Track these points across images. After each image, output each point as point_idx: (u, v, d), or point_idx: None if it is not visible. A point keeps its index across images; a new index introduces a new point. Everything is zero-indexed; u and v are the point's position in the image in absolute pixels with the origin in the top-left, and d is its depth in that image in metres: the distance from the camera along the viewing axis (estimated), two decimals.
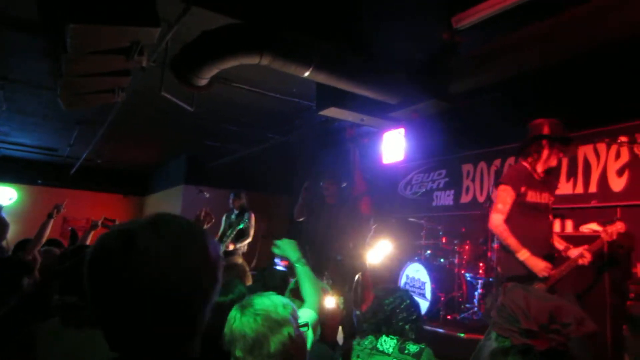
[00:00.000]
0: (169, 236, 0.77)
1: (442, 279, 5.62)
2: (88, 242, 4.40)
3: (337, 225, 5.25)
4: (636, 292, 3.81)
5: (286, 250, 2.09)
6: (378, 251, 5.31)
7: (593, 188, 4.94)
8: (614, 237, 3.13)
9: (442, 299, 5.51)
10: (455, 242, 5.72)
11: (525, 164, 3.24)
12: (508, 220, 3.07)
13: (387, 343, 2.13)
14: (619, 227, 3.15)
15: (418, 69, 4.73)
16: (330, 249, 5.22)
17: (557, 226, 4.53)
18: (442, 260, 6.01)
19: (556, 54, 4.33)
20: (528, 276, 2.96)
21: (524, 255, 2.94)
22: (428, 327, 5.11)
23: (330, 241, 5.12)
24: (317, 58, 4.29)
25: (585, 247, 3.10)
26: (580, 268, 3.61)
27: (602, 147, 4.90)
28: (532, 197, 3.12)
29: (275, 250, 2.14)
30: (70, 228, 6.23)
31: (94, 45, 2.92)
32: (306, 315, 1.80)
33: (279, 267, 4.76)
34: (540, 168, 3.19)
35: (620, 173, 4.74)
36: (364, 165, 7.27)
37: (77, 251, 3.63)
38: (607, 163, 4.85)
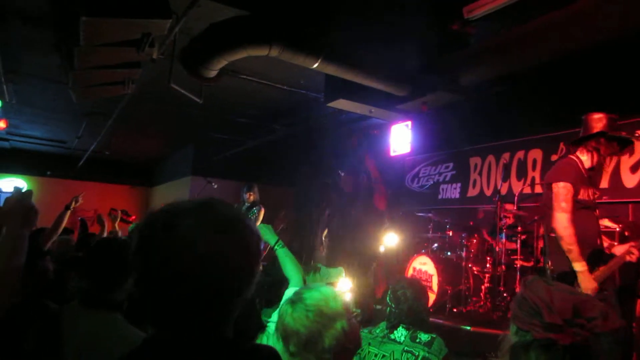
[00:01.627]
0: (211, 222, 0.78)
1: (449, 271, 5.62)
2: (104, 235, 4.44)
3: (351, 215, 5.29)
4: None
5: (265, 235, 2.11)
6: (386, 243, 5.35)
7: (605, 184, 4.90)
8: None
9: (449, 292, 5.51)
10: (463, 235, 5.71)
11: (574, 158, 3.12)
12: None
13: (399, 332, 2.15)
14: None
15: (428, 61, 4.70)
16: (346, 237, 5.26)
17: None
18: (449, 253, 6.01)
19: (569, 45, 4.29)
20: (575, 276, 2.89)
21: (581, 267, 2.86)
22: (434, 320, 5.13)
23: (349, 231, 5.16)
24: (326, 49, 4.28)
25: (632, 243, 3.02)
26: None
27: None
28: (583, 194, 3.03)
29: None
30: (80, 218, 6.30)
31: (105, 38, 2.93)
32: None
33: None
34: (589, 164, 3.09)
35: (634, 170, 4.70)
36: (372, 157, 7.27)
37: (89, 239, 3.69)
38: (620, 159, 4.81)
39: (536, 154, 5.71)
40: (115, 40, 2.98)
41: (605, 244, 3.19)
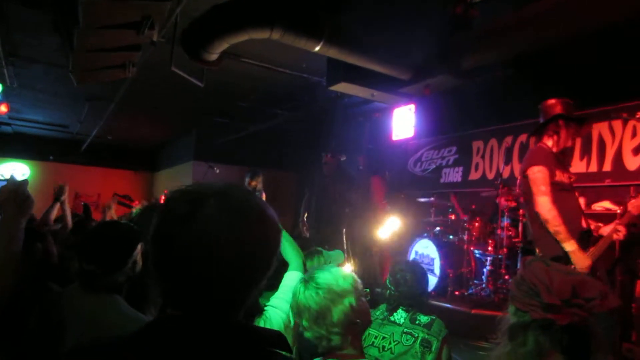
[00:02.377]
0: (232, 209, 0.78)
1: (451, 255, 5.65)
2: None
3: (334, 197, 5.32)
4: None
5: None
6: (387, 227, 5.36)
7: (607, 167, 4.89)
8: None
9: (451, 275, 5.55)
10: (465, 218, 5.72)
11: (542, 144, 3.21)
12: None
13: (399, 314, 2.17)
14: None
15: (431, 44, 4.64)
16: (332, 220, 5.30)
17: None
18: (450, 236, 6.03)
19: (572, 28, 4.23)
20: (567, 258, 2.91)
21: (572, 246, 2.88)
22: (436, 303, 5.17)
23: (329, 212, 5.20)
24: (328, 32, 4.23)
25: (617, 221, 3.04)
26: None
27: (617, 124, 4.83)
28: (559, 176, 3.09)
29: None
30: (82, 203, 6.32)
31: (105, 20, 2.90)
32: (293, 277, 1.84)
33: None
34: (556, 148, 3.18)
35: (636, 152, 4.68)
36: (372, 142, 7.25)
37: (83, 223, 3.70)
38: (622, 141, 4.78)
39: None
40: (115, 23, 2.95)
41: (592, 226, 3.20)
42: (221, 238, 0.75)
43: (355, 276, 1.61)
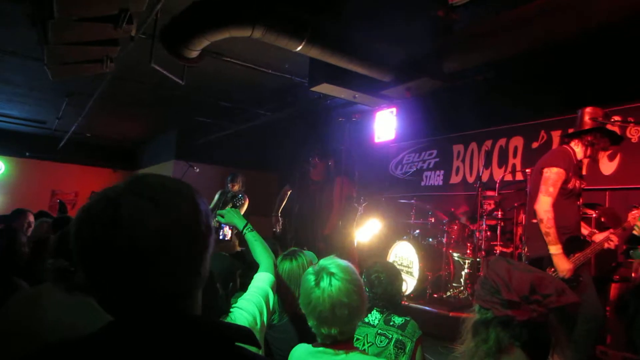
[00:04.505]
0: (154, 197, 0.76)
1: (430, 258, 5.68)
2: None
3: (322, 202, 5.30)
4: (621, 275, 3.88)
5: (232, 219, 2.11)
6: (367, 229, 5.37)
7: (583, 170, 4.97)
8: None
9: (430, 277, 5.58)
10: (444, 221, 5.77)
11: (568, 148, 3.20)
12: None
13: (373, 315, 2.16)
14: None
15: (412, 47, 4.68)
16: (315, 225, 5.28)
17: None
18: (430, 239, 6.07)
19: (552, 33, 4.30)
20: (550, 260, 3.00)
21: (557, 250, 2.95)
22: (415, 305, 5.19)
23: (316, 218, 5.18)
24: (310, 32, 4.23)
25: (611, 230, 3.12)
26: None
27: None
28: (572, 183, 3.12)
29: (220, 219, 2.17)
30: (58, 200, 6.20)
31: (81, 12, 2.84)
32: (263, 277, 1.83)
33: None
34: (582, 156, 3.18)
35: (611, 157, 4.78)
36: (355, 144, 7.27)
37: (67, 219, 3.63)
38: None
39: (517, 141, 5.76)
40: (91, 15, 2.89)
41: (586, 232, 3.27)
42: (144, 231, 0.72)
43: (357, 275, 1.63)
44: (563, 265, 2.93)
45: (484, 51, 4.84)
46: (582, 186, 3.25)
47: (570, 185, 3.10)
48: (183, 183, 0.83)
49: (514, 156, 5.78)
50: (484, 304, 1.11)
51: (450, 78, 5.20)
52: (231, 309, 1.64)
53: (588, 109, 3.18)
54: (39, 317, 1.53)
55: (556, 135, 5.26)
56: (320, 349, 1.56)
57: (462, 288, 5.38)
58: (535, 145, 5.50)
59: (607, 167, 4.80)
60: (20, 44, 5.45)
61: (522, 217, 4.80)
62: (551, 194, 3.02)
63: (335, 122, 7.22)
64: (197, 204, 0.80)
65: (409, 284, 5.63)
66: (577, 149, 3.18)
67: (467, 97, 5.74)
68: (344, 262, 1.64)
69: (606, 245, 3.09)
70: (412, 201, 6.19)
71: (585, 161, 3.28)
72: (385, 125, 6.74)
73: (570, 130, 3.23)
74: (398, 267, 5.70)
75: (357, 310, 1.53)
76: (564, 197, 3.10)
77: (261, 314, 1.66)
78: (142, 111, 8.88)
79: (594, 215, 4.15)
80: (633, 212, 3.13)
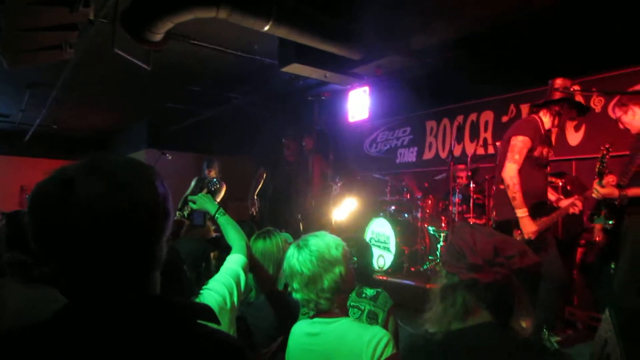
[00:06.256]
0: (109, 175, 0.74)
1: (406, 232, 5.77)
2: None
3: (297, 183, 5.31)
4: (587, 239, 4.03)
5: (204, 204, 2.13)
6: (344, 208, 5.41)
7: (552, 141, 5.09)
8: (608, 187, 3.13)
9: (406, 252, 5.68)
10: (419, 197, 5.85)
11: (536, 117, 3.29)
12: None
13: None
14: (611, 180, 3.19)
15: (380, 23, 4.65)
16: (291, 206, 5.29)
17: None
18: (405, 215, 6.16)
19: (521, 6, 4.35)
20: (517, 223, 3.13)
21: (523, 213, 3.07)
22: (392, 279, 5.29)
23: (291, 198, 5.19)
24: (277, 11, 4.16)
25: (577, 196, 3.25)
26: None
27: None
28: (539, 151, 3.22)
29: (192, 206, 2.19)
30: (27, 197, 6.02)
31: None
32: (235, 259, 1.85)
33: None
34: (550, 126, 3.27)
35: (577, 128, 4.90)
36: (330, 124, 7.26)
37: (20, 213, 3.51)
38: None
39: (488, 115, 5.85)
40: None
41: (554, 198, 3.40)
42: (98, 211, 0.71)
43: (345, 244, 1.67)
44: (529, 227, 3.07)
45: (450, 27, 4.86)
46: (550, 155, 3.35)
47: (536, 153, 3.21)
48: (142, 164, 0.82)
49: (485, 130, 5.88)
50: (450, 269, 1.14)
51: (419, 55, 5.21)
52: (201, 291, 1.64)
53: (558, 80, 3.26)
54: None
55: (525, 108, 5.35)
56: (315, 319, 1.62)
57: (438, 261, 5.50)
58: (505, 119, 5.59)
59: (574, 137, 4.92)
60: None
61: (494, 187, 4.91)
62: (516, 161, 3.13)
63: (308, 103, 7.19)
64: (155, 186, 0.79)
65: (386, 259, 5.72)
66: (545, 118, 3.27)
67: (438, 73, 5.77)
68: (323, 236, 1.67)
69: (571, 210, 3.22)
70: (387, 178, 6.24)
71: (555, 131, 3.37)
72: (359, 104, 6.73)
73: (540, 101, 3.29)
74: (375, 243, 5.82)
75: (314, 279, 1.56)
76: (531, 165, 3.20)
77: (231, 294, 1.67)
78: (110, 100, 8.63)
79: (560, 183, 4.27)
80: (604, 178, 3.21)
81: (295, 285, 1.60)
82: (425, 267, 5.58)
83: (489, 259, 1.06)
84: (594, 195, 3.13)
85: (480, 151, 5.80)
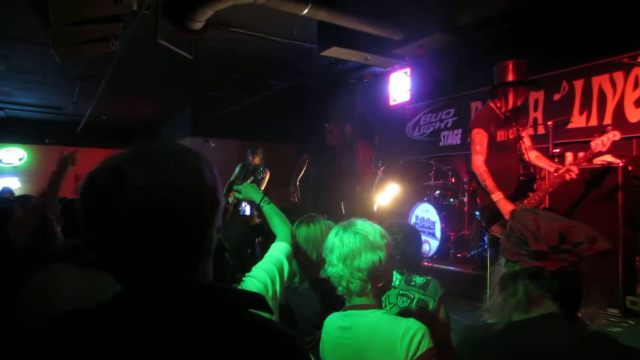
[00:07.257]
0: (159, 164, 0.74)
1: (452, 218, 5.63)
2: None
3: (340, 168, 5.27)
4: None
5: (250, 194, 2.11)
6: (387, 193, 5.33)
7: (608, 119, 4.78)
8: (608, 146, 3.16)
9: (452, 237, 5.55)
10: (464, 181, 5.67)
11: (492, 104, 3.47)
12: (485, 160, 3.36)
13: (394, 276, 2.14)
14: (613, 135, 3.14)
15: (422, 1, 4.49)
16: (334, 191, 5.27)
17: (570, 159, 4.46)
18: (451, 199, 6.00)
19: None
20: (495, 206, 3.25)
21: (497, 197, 3.22)
22: (438, 266, 5.19)
23: (334, 183, 5.16)
24: None
25: (572, 162, 3.31)
26: (594, 200, 3.78)
27: (619, 76, 4.69)
28: (501, 135, 3.38)
29: (238, 195, 2.19)
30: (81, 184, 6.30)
31: None
32: (279, 247, 1.83)
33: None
34: (505, 108, 3.40)
35: (638, 104, 4.56)
36: (371, 108, 7.15)
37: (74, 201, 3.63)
38: (624, 93, 4.66)
39: (538, 94, 5.55)
40: None
41: (553, 168, 3.39)
42: (147, 200, 0.71)
43: (389, 238, 1.65)
44: (506, 208, 3.17)
45: (497, 1, 4.63)
46: (516, 134, 3.42)
47: (498, 139, 3.36)
48: (192, 152, 0.81)
49: (535, 109, 5.59)
50: (511, 257, 1.07)
51: (463, 32, 5.00)
52: (244, 278, 1.64)
53: (499, 64, 3.41)
54: (59, 294, 1.57)
55: (578, 84, 5.05)
56: (348, 311, 1.58)
57: (485, 246, 5.33)
58: (557, 96, 5.29)
59: (634, 114, 4.59)
60: (26, 30, 5.42)
61: (544, 171, 4.72)
62: (479, 151, 3.33)
63: (349, 87, 7.09)
64: (204, 176, 0.78)
65: (431, 245, 5.61)
66: (499, 103, 3.42)
67: (482, 51, 5.51)
68: (369, 223, 1.65)
69: (567, 177, 3.20)
70: (431, 162, 6.09)
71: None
72: (400, 86, 6.58)
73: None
74: (420, 229, 5.71)
75: (353, 255, 1.54)
76: (496, 150, 3.36)
77: (273, 283, 1.65)
78: (154, 90, 8.87)
79: (620, 164, 4.00)
80: (595, 139, 3.19)
81: (334, 258, 1.57)
82: (472, 253, 5.43)
83: (554, 245, 0.99)
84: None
85: (530, 132, 5.53)
